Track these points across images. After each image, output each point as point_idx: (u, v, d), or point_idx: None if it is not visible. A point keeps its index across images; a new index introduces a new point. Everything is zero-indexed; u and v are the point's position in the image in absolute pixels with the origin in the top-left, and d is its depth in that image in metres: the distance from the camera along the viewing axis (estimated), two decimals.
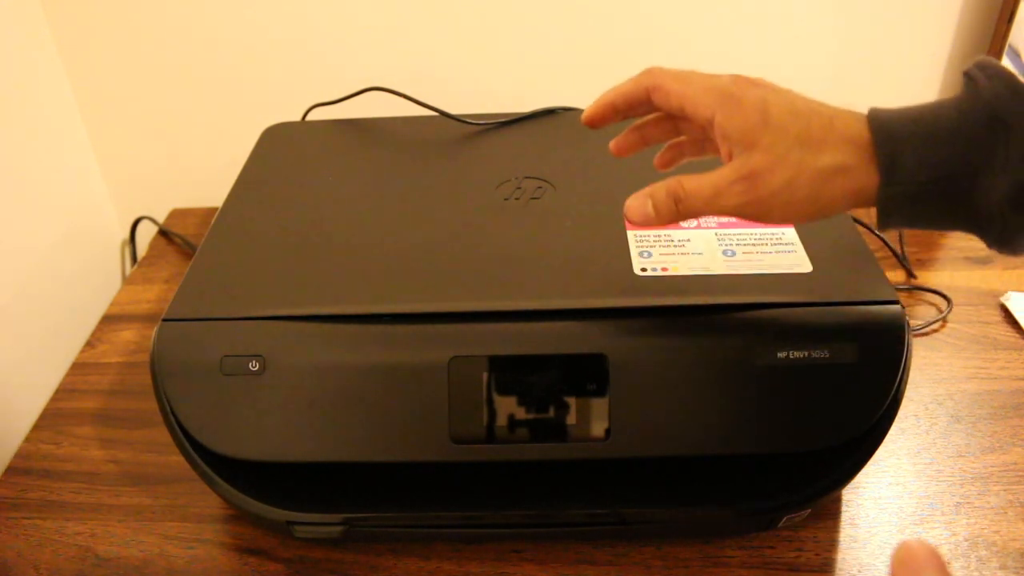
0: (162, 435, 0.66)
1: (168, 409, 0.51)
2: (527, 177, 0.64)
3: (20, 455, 0.66)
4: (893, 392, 0.49)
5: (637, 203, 0.47)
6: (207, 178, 0.95)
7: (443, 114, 0.75)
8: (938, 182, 0.39)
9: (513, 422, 0.50)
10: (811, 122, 0.42)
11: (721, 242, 0.56)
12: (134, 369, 0.74)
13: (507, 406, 0.50)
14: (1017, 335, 0.73)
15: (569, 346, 0.50)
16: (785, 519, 0.54)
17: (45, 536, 0.59)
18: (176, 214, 0.96)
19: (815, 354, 0.49)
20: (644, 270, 0.54)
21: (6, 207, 0.77)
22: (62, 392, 0.72)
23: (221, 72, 0.90)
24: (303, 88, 0.90)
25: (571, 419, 0.50)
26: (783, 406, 0.49)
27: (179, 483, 0.62)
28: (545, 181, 0.64)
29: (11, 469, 0.65)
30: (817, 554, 0.56)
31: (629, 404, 0.49)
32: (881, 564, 0.55)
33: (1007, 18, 0.84)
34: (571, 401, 0.50)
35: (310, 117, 0.81)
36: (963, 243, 0.85)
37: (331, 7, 0.86)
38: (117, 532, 0.59)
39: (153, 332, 0.52)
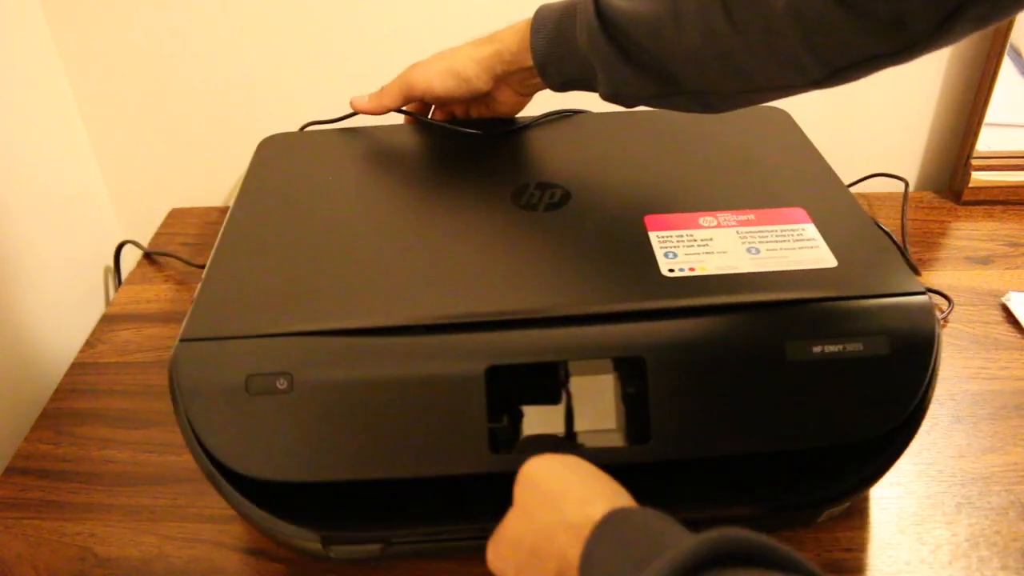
0: (161, 435, 0.66)
1: (191, 433, 0.49)
2: (541, 183, 0.63)
3: (20, 455, 0.66)
4: (927, 382, 0.49)
5: None
6: (207, 178, 0.95)
7: (449, 125, 0.72)
8: (569, 84, 0.64)
9: (552, 430, 0.49)
10: None
11: (744, 240, 0.56)
12: (134, 369, 0.74)
13: (546, 414, 0.49)
14: (1018, 335, 0.73)
15: (607, 351, 0.49)
16: (825, 514, 0.54)
17: (44, 536, 0.59)
18: (175, 214, 0.96)
19: (848, 347, 0.49)
20: (672, 271, 0.53)
21: (6, 207, 0.77)
22: (62, 392, 0.72)
23: (221, 73, 0.90)
24: (305, 89, 0.90)
25: (612, 424, 0.49)
26: (820, 400, 0.49)
27: (179, 483, 0.62)
28: (560, 186, 0.62)
29: (11, 469, 0.65)
30: (818, 554, 0.55)
31: (669, 406, 0.49)
32: (882, 564, 0.55)
33: None
34: (612, 405, 0.49)
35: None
36: (964, 243, 0.85)
37: (331, 18, 0.86)
38: (116, 532, 0.59)
39: (171, 353, 0.49)
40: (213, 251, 0.57)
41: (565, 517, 0.40)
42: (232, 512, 0.59)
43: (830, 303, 0.50)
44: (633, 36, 0.56)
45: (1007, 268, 0.81)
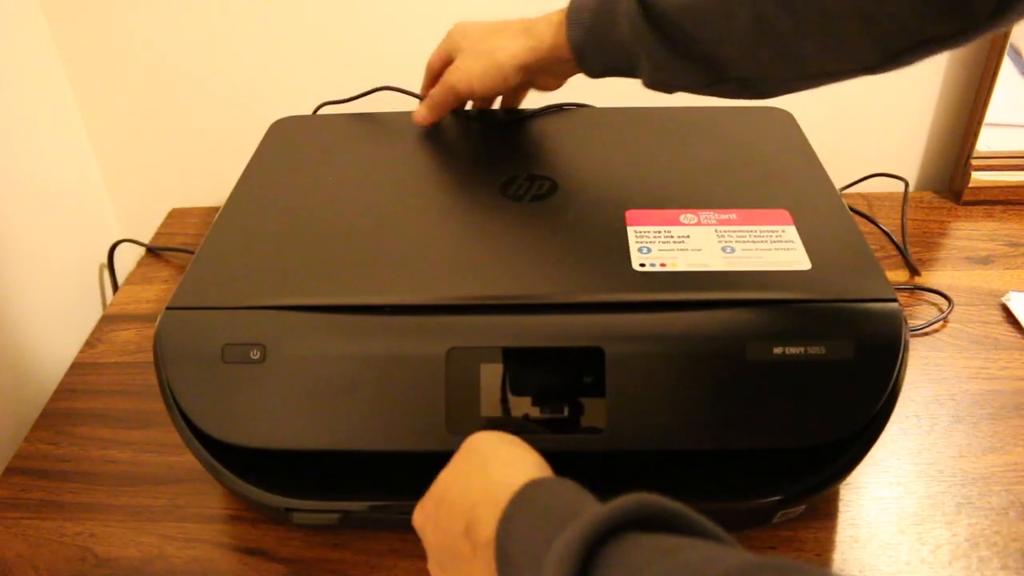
0: (161, 435, 0.66)
1: (170, 396, 0.51)
2: (531, 174, 0.64)
3: (20, 455, 0.66)
4: (889, 390, 0.49)
5: None
6: (207, 178, 0.95)
7: (455, 114, 0.74)
8: (608, 72, 0.63)
9: (509, 414, 0.50)
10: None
11: (721, 239, 0.56)
12: (134, 369, 0.74)
13: (504, 398, 0.50)
14: (1018, 335, 0.73)
15: (566, 339, 0.50)
16: (780, 515, 0.54)
17: (44, 536, 0.59)
18: (175, 214, 0.96)
19: (811, 351, 0.49)
20: (643, 265, 0.54)
21: (6, 207, 0.77)
22: (62, 392, 0.72)
23: (222, 72, 0.90)
24: (307, 89, 0.90)
25: (568, 412, 0.50)
26: (778, 402, 0.49)
27: (179, 483, 0.62)
28: (549, 178, 0.64)
29: (11, 469, 0.65)
30: (818, 554, 0.55)
31: (626, 398, 0.49)
32: (882, 564, 0.55)
33: None
34: (568, 394, 0.50)
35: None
36: (964, 243, 0.85)
37: (337, 6, 0.86)
38: (116, 532, 0.59)
39: (157, 320, 0.52)
40: (211, 226, 0.60)
41: (486, 477, 0.42)
42: (232, 512, 0.60)
43: (795, 305, 0.51)
44: (680, 25, 0.55)
45: (1007, 268, 0.81)
